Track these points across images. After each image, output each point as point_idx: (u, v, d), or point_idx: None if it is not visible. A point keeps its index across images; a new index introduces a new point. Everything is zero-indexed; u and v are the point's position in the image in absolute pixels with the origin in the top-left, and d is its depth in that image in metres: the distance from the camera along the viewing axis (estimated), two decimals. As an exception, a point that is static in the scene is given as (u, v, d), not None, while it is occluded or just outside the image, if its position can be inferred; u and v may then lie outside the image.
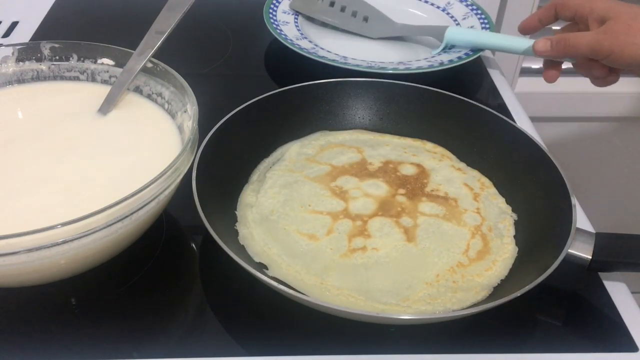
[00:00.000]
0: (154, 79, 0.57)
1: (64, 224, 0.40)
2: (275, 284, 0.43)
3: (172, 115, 0.56)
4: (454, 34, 0.79)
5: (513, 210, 0.56)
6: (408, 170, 0.60)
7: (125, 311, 0.49)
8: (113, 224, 0.42)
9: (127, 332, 0.47)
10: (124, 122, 0.56)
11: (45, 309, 0.49)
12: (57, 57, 0.59)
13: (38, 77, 0.59)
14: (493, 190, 0.59)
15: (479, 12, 0.88)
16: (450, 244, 0.52)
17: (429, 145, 0.63)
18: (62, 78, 0.59)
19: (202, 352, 0.45)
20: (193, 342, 0.46)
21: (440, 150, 0.63)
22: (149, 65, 0.57)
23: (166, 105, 0.57)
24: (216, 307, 0.49)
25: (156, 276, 0.52)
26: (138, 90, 0.59)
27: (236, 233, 0.52)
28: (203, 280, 0.51)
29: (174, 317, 0.48)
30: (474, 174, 0.60)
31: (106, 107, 0.56)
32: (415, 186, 0.58)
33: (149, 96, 0.58)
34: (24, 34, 0.84)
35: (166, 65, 0.57)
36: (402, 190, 0.57)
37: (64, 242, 0.40)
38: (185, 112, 0.53)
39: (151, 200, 0.44)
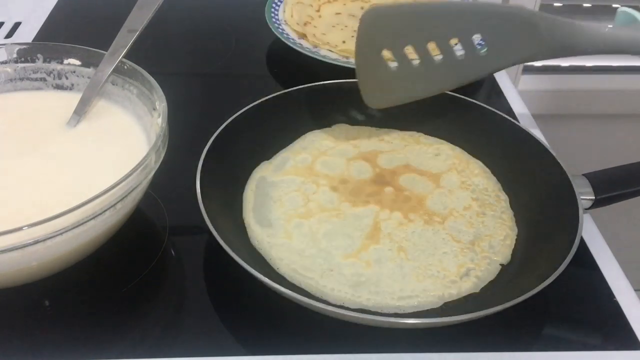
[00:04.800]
0: (122, 77, 0.57)
1: (30, 225, 0.39)
2: (277, 286, 0.43)
3: (141, 117, 0.56)
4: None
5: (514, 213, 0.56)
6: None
7: (126, 311, 0.49)
8: (87, 221, 0.42)
9: (127, 332, 0.47)
10: (94, 131, 0.55)
11: (41, 309, 0.49)
12: (23, 59, 0.58)
13: (4, 80, 0.58)
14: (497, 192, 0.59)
15: (481, 10, 0.88)
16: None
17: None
18: (29, 79, 0.59)
19: (204, 350, 0.45)
20: (194, 340, 0.46)
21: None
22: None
23: (136, 108, 0.56)
24: (218, 307, 0.49)
25: (159, 276, 0.52)
26: (107, 95, 0.58)
27: (238, 233, 0.53)
28: (206, 280, 0.51)
29: (175, 316, 0.49)
30: (467, 157, 0.61)
31: (80, 107, 0.56)
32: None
33: (117, 101, 0.58)
34: (26, 35, 0.85)
35: (134, 64, 0.56)
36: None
37: (36, 242, 0.40)
38: (154, 109, 0.53)
39: (125, 197, 0.44)
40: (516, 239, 0.54)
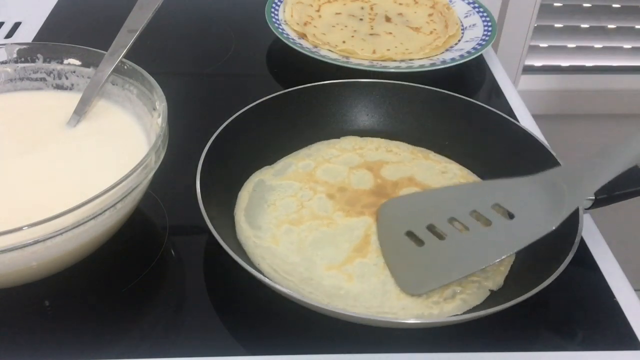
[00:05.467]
0: (122, 77, 0.57)
1: (30, 225, 0.39)
2: (277, 286, 0.43)
3: (141, 117, 0.56)
4: None
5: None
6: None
7: (126, 311, 0.49)
8: (87, 221, 0.42)
9: (127, 332, 0.47)
10: (94, 131, 0.55)
11: (41, 309, 0.49)
12: (23, 59, 0.58)
13: (4, 80, 0.58)
14: None
15: (481, 10, 0.88)
16: None
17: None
18: (29, 79, 0.59)
19: (204, 350, 0.45)
20: (194, 340, 0.46)
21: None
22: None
23: (136, 108, 0.56)
24: (218, 307, 0.49)
25: (159, 276, 0.52)
26: (107, 95, 0.58)
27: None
28: (206, 280, 0.51)
29: (175, 316, 0.49)
30: (474, 178, 0.60)
31: (80, 107, 0.56)
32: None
33: (117, 101, 0.58)
34: (26, 35, 0.85)
35: (134, 64, 0.56)
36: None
37: (36, 242, 0.40)
38: (154, 109, 0.53)
39: (125, 197, 0.44)
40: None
